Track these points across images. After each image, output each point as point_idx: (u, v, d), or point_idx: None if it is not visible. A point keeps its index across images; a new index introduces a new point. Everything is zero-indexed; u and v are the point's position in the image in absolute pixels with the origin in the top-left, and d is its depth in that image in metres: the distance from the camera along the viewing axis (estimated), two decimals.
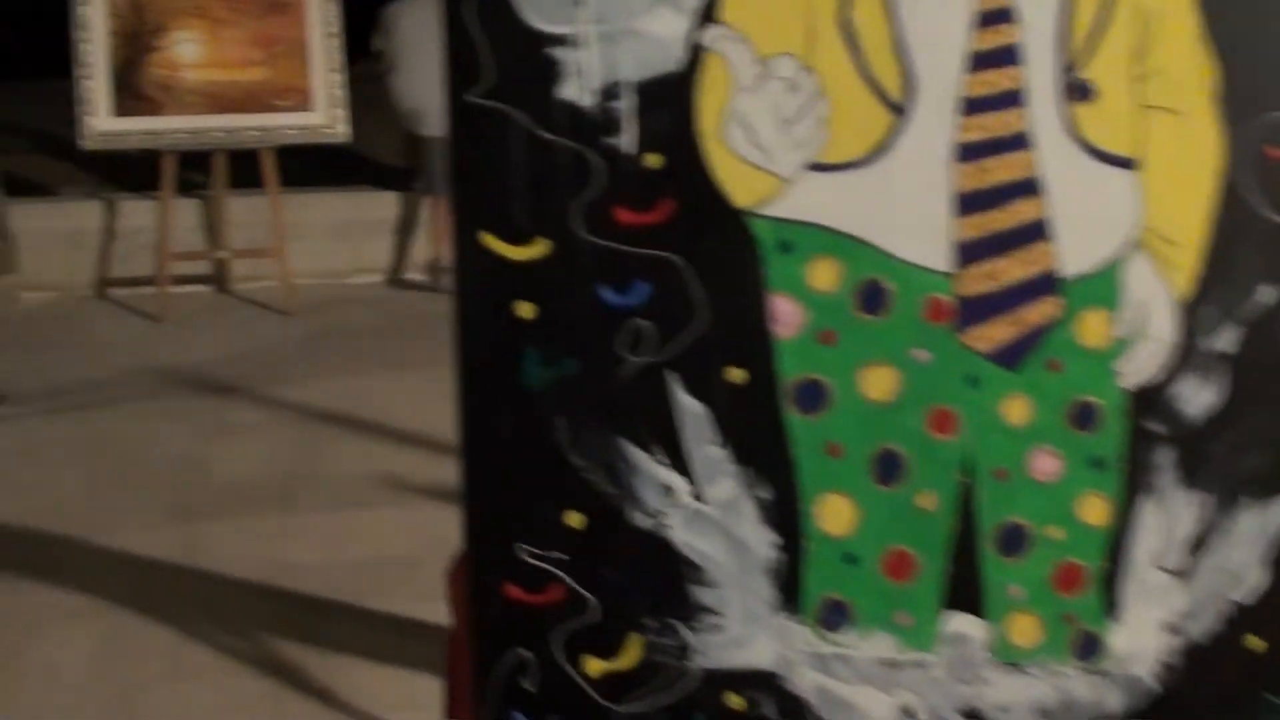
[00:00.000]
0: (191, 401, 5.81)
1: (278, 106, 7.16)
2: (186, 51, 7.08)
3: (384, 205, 7.97)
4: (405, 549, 4.27)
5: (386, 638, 3.86)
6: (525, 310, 1.80)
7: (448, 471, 4.80)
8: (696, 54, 1.78)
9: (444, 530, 4.32)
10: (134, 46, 7.02)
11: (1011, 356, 1.88)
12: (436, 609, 3.57)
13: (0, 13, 5.57)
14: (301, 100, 7.19)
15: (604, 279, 1.80)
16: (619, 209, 1.79)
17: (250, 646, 3.80)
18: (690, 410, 1.84)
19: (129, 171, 8.02)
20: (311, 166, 7.97)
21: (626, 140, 1.78)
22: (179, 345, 6.63)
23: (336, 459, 5.15)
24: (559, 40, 1.75)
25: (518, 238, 1.78)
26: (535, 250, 1.79)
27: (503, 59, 1.74)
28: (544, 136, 1.76)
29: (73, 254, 7.38)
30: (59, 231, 7.29)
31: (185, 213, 7.50)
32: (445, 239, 7.95)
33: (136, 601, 3.97)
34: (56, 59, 7.64)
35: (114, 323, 7.01)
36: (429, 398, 5.60)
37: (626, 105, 1.77)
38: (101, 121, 6.93)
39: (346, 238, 7.79)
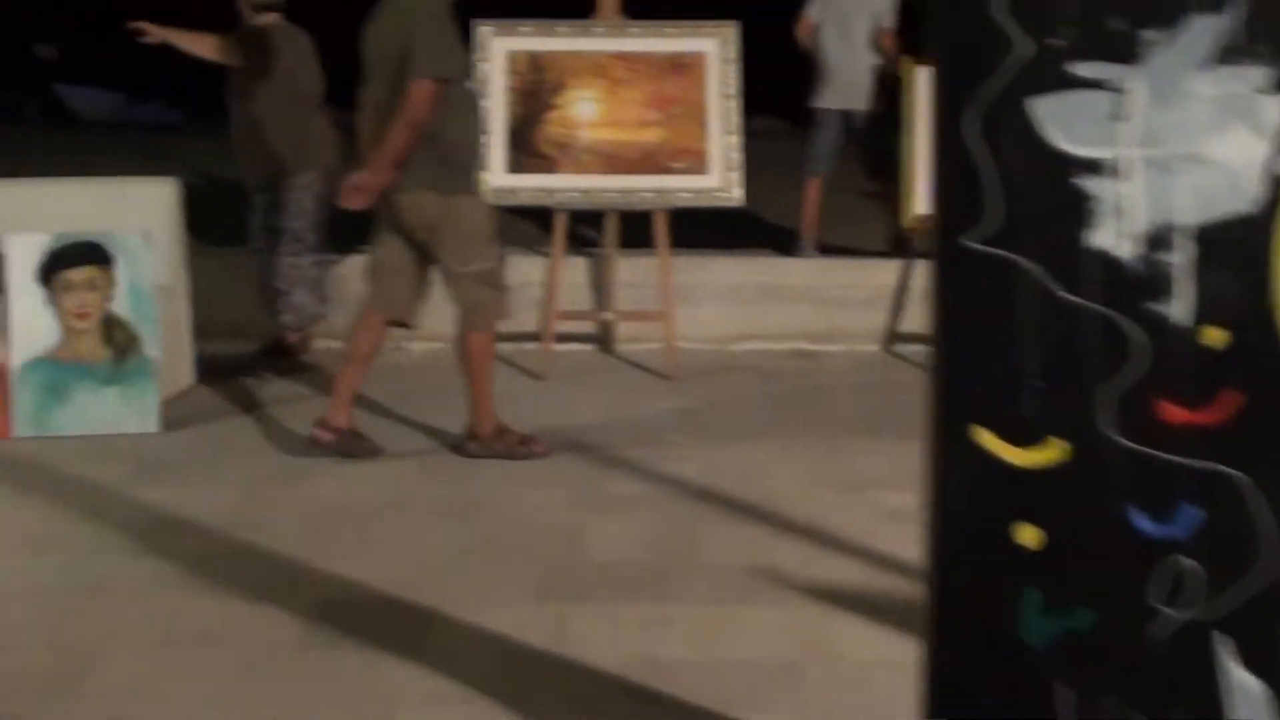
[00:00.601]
0: (568, 466, 5.70)
1: (672, 169, 7.08)
2: (584, 110, 7.08)
3: (776, 270, 7.79)
4: (784, 654, 4.00)
5: None
6: (1028, 536, 1.37)
7: (834, 568, 4.46)
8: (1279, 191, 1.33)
9: (828, 637, 4.02)
10: (532, 104, 7.03)
11: None
12: None
13: None
14: (697, 163, 7.09)
15: (1138, 499, 1.34)
16: (1164, 402, 1.33)
17: None
18: (1244, 689, 1.34)
19: (517, 225, 8.08)
20: (704, 228, 7.83)
21: (1179, 308, 1.32)
22: (560, 405, 6.55)
23: (714, 543, 4.91)
24: (1092, 168, 1.30)
25: (1024, 436, 1.34)
26: (1047, 455, 1.35)
27: (1015, 192, 1.30)
28: (1066, 298, 1.32)
29: None
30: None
31: (573, 270, 7.48)
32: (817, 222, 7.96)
33: (497, 688, 3.82)
34: None
35: (498, 378, 6.97)
36: (817, 480, 5.33)
37: (1181, 259, 1.31)
38: (496, 177, 6.94)
39: (736, 303, 7.62)
